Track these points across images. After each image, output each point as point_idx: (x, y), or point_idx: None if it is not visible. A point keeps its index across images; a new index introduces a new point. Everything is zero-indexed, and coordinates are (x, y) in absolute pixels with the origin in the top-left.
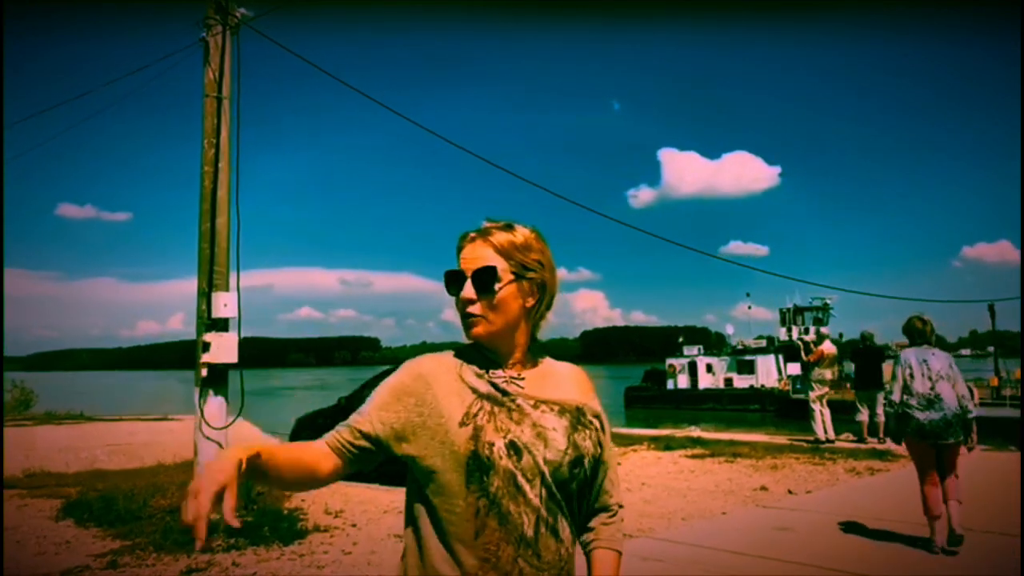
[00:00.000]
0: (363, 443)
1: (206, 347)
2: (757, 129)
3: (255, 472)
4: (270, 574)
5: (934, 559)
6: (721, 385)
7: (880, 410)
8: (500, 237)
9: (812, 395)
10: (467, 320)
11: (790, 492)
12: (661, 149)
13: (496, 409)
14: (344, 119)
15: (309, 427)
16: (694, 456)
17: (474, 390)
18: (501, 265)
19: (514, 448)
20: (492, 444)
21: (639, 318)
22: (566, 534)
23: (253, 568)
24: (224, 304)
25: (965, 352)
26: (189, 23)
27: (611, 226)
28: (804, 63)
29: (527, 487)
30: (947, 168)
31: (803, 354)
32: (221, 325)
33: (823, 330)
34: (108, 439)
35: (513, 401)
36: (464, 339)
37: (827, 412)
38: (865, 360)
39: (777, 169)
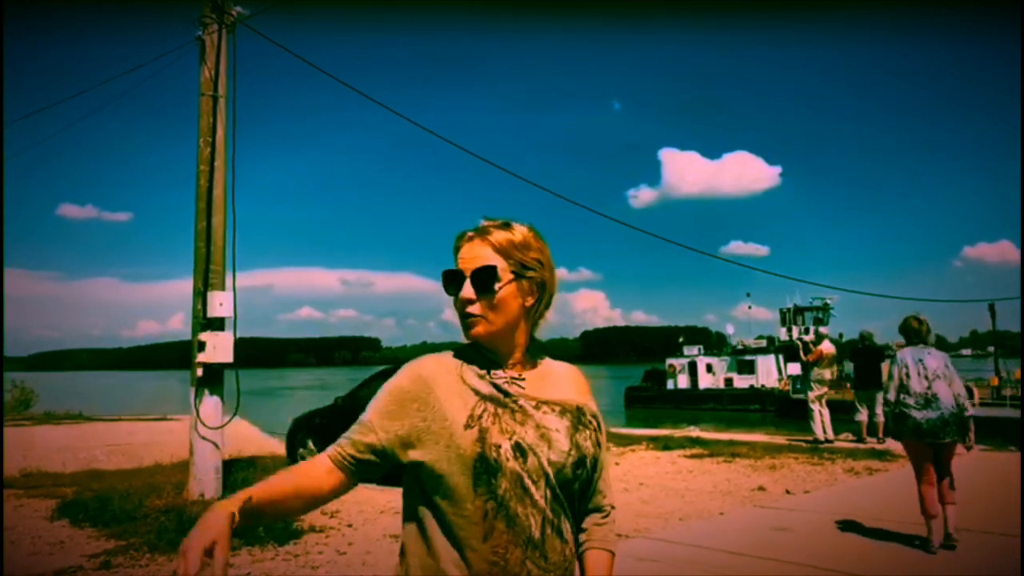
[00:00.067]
0: (368, 456)
1: (202, 346)
2: (757, 129)
3: (252, 516)
4: (264, 574)
5: (932, 559)
6: (721, 385)
7: (879, 410)
8: (499, 236)
9: (811, 395)
10: (466, 320)
11: (788, 492)
12: (661, 149)
13: (499, 411)
14: (344, 119)
15: (306, 427)
16: (692, 456)
17: (476, 391)
18: (500, 264)
19: (520, 450)
20: (499, 446)
21: (639, 318)
22: (569, 535)
23: (248, 568)
24: (220, 303)
25: (966, 352)
26: (186, 22)
27: (611, 226)
28: (804, 63)
29: (533, 489)
30: (947, 168)
31: (802, 354)
32: (217, 324)
33: (822, 330)
34: (107, 439)
35: (515, 402)
36: (463, 339)
37: (826, 412)
38: (864, 360)
39: (778, 169)
